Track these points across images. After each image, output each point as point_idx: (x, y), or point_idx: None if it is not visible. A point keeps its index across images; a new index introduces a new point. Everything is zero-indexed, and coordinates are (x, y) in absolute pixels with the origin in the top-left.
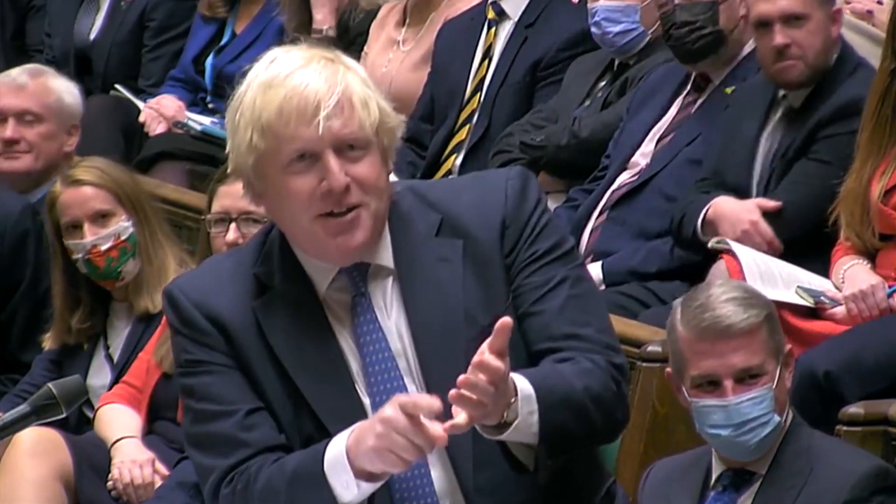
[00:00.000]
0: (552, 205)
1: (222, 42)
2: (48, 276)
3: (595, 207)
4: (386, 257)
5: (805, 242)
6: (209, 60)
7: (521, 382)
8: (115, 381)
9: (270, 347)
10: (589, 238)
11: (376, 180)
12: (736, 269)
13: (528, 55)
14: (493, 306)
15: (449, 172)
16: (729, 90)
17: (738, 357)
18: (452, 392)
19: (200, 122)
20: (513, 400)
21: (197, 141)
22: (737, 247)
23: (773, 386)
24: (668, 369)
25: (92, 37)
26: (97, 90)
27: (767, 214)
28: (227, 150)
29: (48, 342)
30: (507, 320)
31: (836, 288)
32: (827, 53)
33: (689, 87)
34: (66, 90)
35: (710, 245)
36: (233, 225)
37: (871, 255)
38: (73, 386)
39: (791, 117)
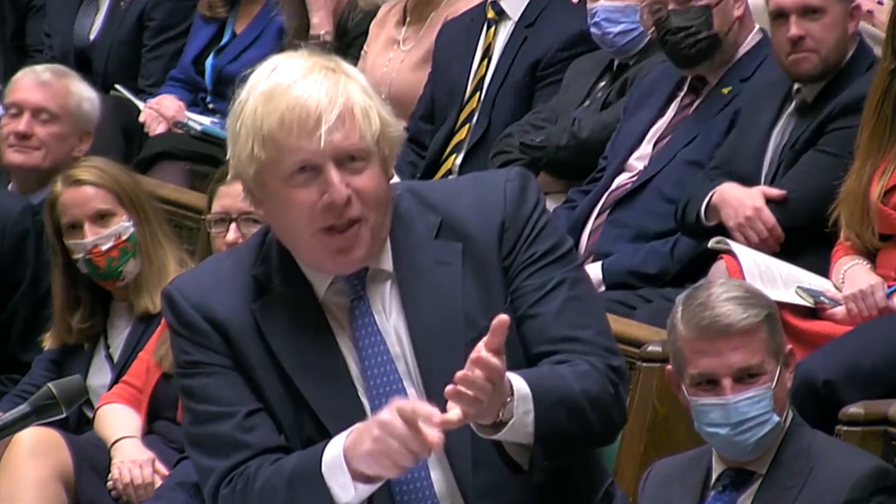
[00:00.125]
0: (552, 205)
1: (222, 42)
2: (48, 276)
3: (593, 208)
4: (385, 261)
5: (805, 242)
6: (209, 60)
7: (518, 382)
8: (115, 380)
9: (270, 349)
10: (588, 239)
11: (377, 191)
12: (736, 269)
13: (527, 55)
14: (492, 308)
15: (449, 172)
16: (726, 90)
17: (737, 356)
18: (449, 388)
19: (200, 122)
20: (509, 399)
21: (197, 141)
22: (737, 247)
23: (773, 386)
24: (669, 367)
25: (92, 37)
26: (97, 90)
27: (771, 203)
28: (227, 157)
29: (48, 342)
30: (503, 318)
31: (836, 288)
32: (841, 49)
33: (685, 88)
34: (86, 96)
35: (709, 245)
36: (233, 225)
37: (871, 255)
38: (73, 386)
39: (803, 111)
